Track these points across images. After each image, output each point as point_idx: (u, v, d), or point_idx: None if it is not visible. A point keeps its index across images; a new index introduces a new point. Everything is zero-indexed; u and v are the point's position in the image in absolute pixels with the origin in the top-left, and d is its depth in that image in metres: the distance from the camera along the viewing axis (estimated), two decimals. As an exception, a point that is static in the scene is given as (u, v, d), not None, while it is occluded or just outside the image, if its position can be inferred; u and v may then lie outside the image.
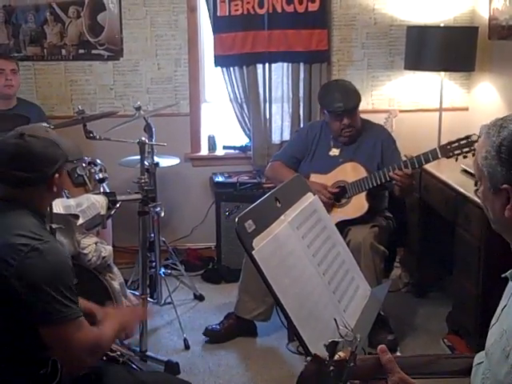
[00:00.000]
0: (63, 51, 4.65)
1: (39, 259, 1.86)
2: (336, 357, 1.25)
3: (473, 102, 4.80)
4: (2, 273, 1.84)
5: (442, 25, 4.42)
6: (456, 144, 3.28)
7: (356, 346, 1.28)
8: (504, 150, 1.36)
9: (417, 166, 3.39)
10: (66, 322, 1.88)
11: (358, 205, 3.56)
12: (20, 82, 4.30)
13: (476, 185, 1.52)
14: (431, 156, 3.33)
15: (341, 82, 3.87)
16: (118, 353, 2.29)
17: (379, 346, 1.39)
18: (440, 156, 3.32)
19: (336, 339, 1.26)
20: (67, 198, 3.31)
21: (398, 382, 1.35)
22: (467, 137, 3.27)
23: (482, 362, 1.49)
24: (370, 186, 3.50)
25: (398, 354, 3.29)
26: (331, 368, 1.23)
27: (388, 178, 3.42)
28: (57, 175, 2.07)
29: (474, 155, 3.28)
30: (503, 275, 1.45)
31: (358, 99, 3.68)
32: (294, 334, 1.60)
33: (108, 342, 2.07)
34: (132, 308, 2.31)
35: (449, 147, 3.30)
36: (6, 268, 1.84)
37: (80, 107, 3.63)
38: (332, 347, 1.25)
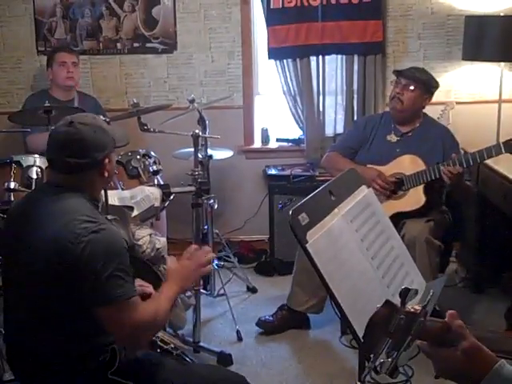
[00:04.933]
0: (118, 45, 4.71)
1: (96, 242, 1.90)
2: (408, 308, 1.22)
3: (533, 92, 4.67)
4: (61, 256, 1.89)
5: (501, 14, 4.30)
6: None
7: (428, 301, 1.25)
8: None
9: (472, 163, 3.30)
10: (120, 303, 1.91)
11: (415, 198, 3.50)
12: (80, 75, 4.40)
13: None
14: (494, 151, 3.23)
15: (429, 72, 3.84)
16: (172, 345, 2.31)
17: (449, 312, 1.32)
18: (504, 152, 3.21)
19: (409, 286, 1.24)
20: (122, 189, 3.37)
21: (469, 349, 1.29)
22: None
23: None
24: (429, 179, 3.43)
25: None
26: (401, 316, 1.21)
27: (438, 174, 3.36)
28: (106, 160, 2.11)
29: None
30: None
31: (423, 79, 3.64)
32: (347, 327, 1.59)
33: (164, 314, 2.06)
34: (193, 259, 2.23)
35: None
36: (65, 251, 1.89)
37: (135, 100, 3.67)
38: (404, 293, 1.23)
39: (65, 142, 2.05)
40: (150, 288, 2.34)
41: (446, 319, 1.31)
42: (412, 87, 3.62)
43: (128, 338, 1.96)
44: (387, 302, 1.24)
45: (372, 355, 1.23)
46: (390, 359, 1.21)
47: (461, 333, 1.30)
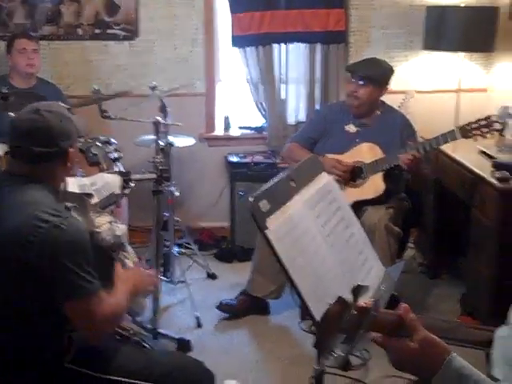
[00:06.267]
0: (79, 31, 4.64)
1: (59, 236, 1.87)
2: (360, 303, 1.25)
3: (492, 83, 4.75)
4: (23, 251, 1.85)
5: (462, 5, 4.36)
6: (476, 125, 3.26)
7: (381, 296, 1.27)
8: None
9: (429, 149, 3.37)
10: (88, 296, 1.90)
11: (374, 185, 3.54)
12: (41, 62, 4.32)
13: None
14: (450, 137, 3.31)
15: (380, 60, 3.82)
16: (131, 331, 2.31)
17: (403, 305, 1.35)
18: (459, 137, 3.29)
19: (360, 283, 1.26)
20: (82, 176, 3.33)
21: (424, 341, 1.32)
22: (487, 117, 3.26)
23: (504, 336, 1.49)
24: (387, 166, 3.48)
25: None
26: (354, 312, 1.23)
27: (396, 162, 3.41)
28: (72, 149, 2.07)
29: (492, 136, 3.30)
30: None
31: (376, 76, 3.64)
32: (306, 313, 1.61)
33: (124, 308, 2.09)
34: (143, 271, 2.35)
35: (468, 128, 3.28)
36: (27, 246, 1.85)
37: (96, 87, 3.63)
38: (356, 290, 1.25)
39: (31, 130, 1.99)
40: None
41: (399, 312, 1.34)
42: (366, 84, 3.63)
43: (95, 330, 1.95)
44: (339, 299, 1.25)
45: (325, 351, 1.25)
46: (343, 353, 1.23)
47: (414, 326, 1.33)
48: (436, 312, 3.76)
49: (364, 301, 1.26)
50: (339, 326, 1.24)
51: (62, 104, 2.40)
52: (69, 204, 2.46)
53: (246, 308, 3.73)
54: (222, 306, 3.73)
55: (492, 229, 3.21)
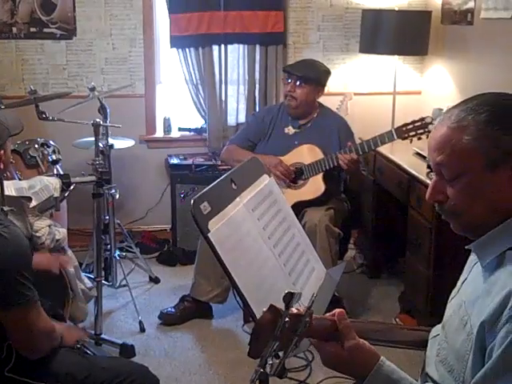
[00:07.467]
0: (14, 29, 4.52)
1: (1, 245, 1.83)
2: (292, 310, 1.25)
3: (425, 85, 4.87)
4: None
5: (396, 9, 4.45)
6: (411, 126, 3.35)
7: (312, 302, 1.28)
8: (502, 116, 1.31)
9: (367, 150, 3.43)
10: (28, 305, 1.86)
11: (314, 186, 3.58)
12: None
13: (428, 172, 1.51)
14: (387, 138, 3.38)
15: (317, 61, 3.88)
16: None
17: (338, 311, 1.37)
18: (396, 138, 3.37)
19: (292, 290, 1.26)
20: (19, 179, 3.26)
21: (353, 349, 1.35)
22: (422, 119, 3.34)
23: (438, 335, 1.52)
24: (327, 167, 3.52)
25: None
26: (286, 319, 1.24)
27: (336, 162, 3.47)
28: (2, 151, 2.02)
29: (427, 137, 3.38)
30: (467, 247, 1.47)
31: (312, 76, 3.69)
32: (249, 316, 1.61)
33: (57, 335, 2.05)
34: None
35: (404, 129, 3.36)
36: None
37: (32, 87, 3.56)
38: (288, 298, 1.26)
39: None
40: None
41: (333, 318, 1.37)
42: (303, 84, 3.68)
43: (33, 341, 1.92)
44: (271, 307, 1.26)
45: (260, 359, 1.25)
46: (277, 360, 1.24)
47: (346, 332, 1.36)
48: (376, 311, 3.83)
49: (297, 307, 1.27)
50: (273, 334, 1.24)
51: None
52: (6, 208, 2.41)
53: (187, 315, 3.70)
54: (162, 316, 3.69)
55: (428, 228, 3.29)
